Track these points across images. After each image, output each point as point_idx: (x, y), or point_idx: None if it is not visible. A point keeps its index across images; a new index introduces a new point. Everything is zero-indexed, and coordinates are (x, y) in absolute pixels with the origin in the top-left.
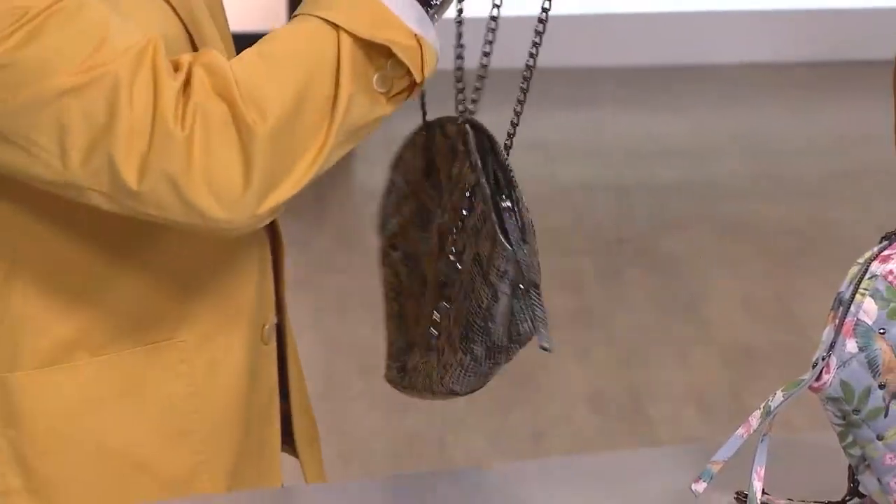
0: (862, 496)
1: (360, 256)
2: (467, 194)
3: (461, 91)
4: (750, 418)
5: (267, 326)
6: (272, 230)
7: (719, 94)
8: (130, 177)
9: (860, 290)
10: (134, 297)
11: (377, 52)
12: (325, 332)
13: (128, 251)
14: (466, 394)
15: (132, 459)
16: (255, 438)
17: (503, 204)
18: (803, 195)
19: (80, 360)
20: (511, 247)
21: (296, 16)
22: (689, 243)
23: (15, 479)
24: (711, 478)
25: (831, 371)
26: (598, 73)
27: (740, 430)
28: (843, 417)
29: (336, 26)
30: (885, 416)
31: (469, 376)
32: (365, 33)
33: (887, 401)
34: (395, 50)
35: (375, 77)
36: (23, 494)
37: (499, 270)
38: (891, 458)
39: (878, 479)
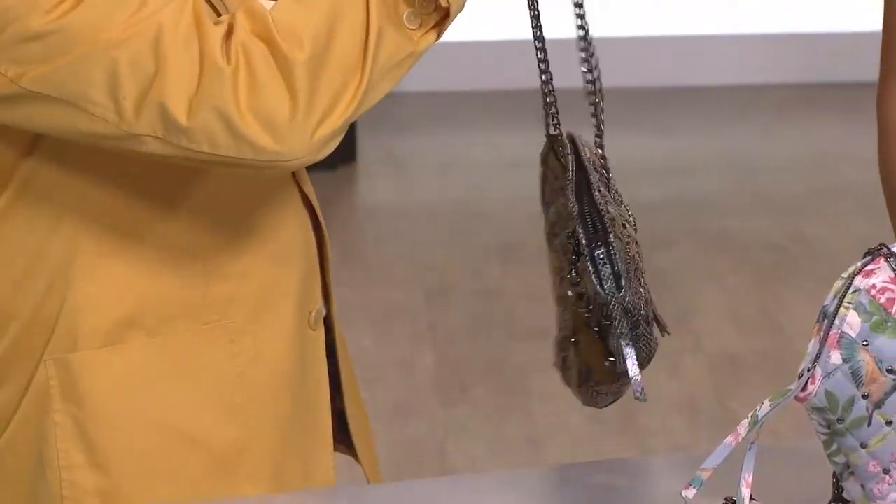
0: (846, 502)
1: (362, 271)
2: (569, 239)
3: (550, 110)
4: (738, 427)
5: (314, 312)
6: (316, 221)
7: (704, 115)
8: (181, 115)
9: (844, 304)
10: (186, 279)
11: None
12: None
13: (184, 234)
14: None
15: (186, 434)
16: (303, 425)
17: (597, 252)
18: (785, 212)
19: (136, 340)
20: (605, 293)
21: None
22: (677, 258)
23: (79, 454)
24: (701, 484)
25: (816, 382)
26: (584, 95)
27: (729, 439)
28: (828, 426)
29: None
30: (868, 425)
31: (605, 396)
32: None
33: (870, 410)
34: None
35: (406, 13)
36: (86, 469)
37: (603, 315)
38: (874, 466)
39: (862, 486)
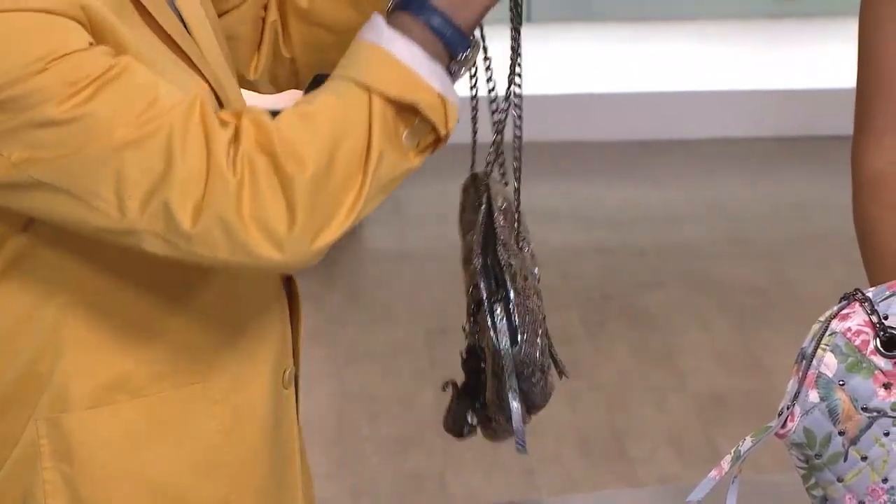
0: None
1: (368, 312)
2: (471, 291)
3: (494, 161)
4: (722, 462)
5: (287, 372)
6: (290, 288)
7: (691, 166)
8: (185, 220)
9: (821, 346)
10: (172, 345)
11: (405, 111)
12: (337, 380)
13: (171, 303)
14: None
15: (171, 491)
16: (278, 477)
17: (496, 308)
18: (767, 257)
19: (123, 401)
20: (501, 349)
21: (332, 77)
22: (665, 301)
23: None
24: None
25: (795, 419)
26: (581, 147)
27: (713, 473)
28: (807, 461)
29: (368, 88)
30: (845, 460)
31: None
32: (394, 94)
33: (846, 446)
34: (421, 108)
35: (405, 133)
36: None
37: (498, 365)
38: (850, 499)
39: None
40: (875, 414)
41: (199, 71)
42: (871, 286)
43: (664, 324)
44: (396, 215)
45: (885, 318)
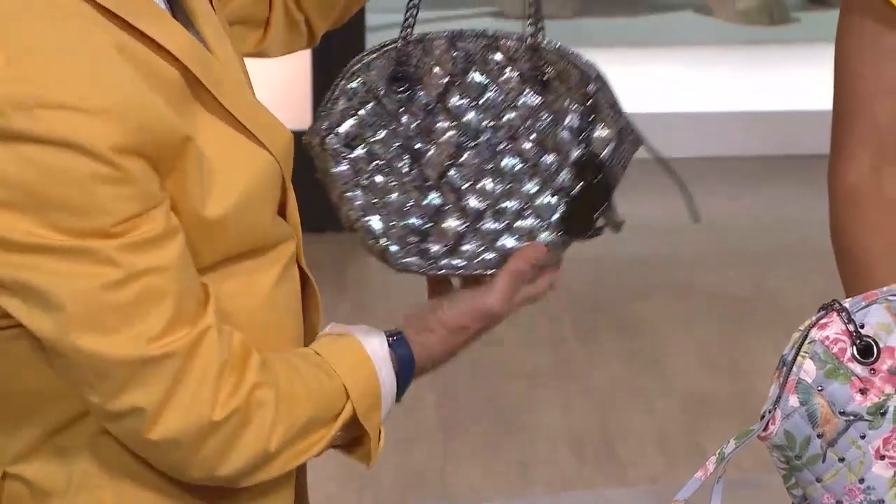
0: None
1: (373, 323)
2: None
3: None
4: (707, 463)
5: None
6: (308, 297)
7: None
8: (152, 434)
9: (801, 353)
10: None
11: (356, 423)
12: None
13: None
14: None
15: None
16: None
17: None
18: (749, 268)
19: None
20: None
21: (327, 353)
22: (653, 309)
23: None
24: None
25: (776, 422)
26: None
27: (698, 473)
28: (787, 462)
29: (348, 396)
30: (823, 461)
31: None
32: (361, 414)
33: (824, 448)
34: (370, 435)
35: (339, 434)
36: None
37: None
38: (828, 498)
39: None
40: (852, 418)
41: (256, 137)
42: (848, 297)
43: (652, 331)
44: None
45: (862, 326)
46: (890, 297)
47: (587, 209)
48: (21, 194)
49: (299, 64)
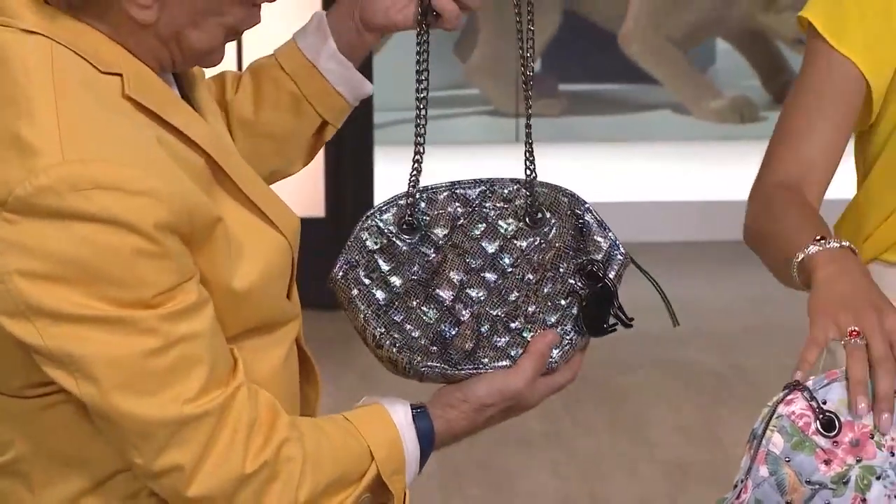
0: None
1: (378, 391)
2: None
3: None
4: None
5: None
6: (307, 372)
7: (658, 265)
8: (190, 491)
9: (770, 427)
10: None
11: (382, 485)
12: None
13: None
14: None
15: None
16: None
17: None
18: (724, 346)
19: None
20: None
21: (353, 419)
22: (637, 382)
23: None
24: None
25: (748, 491)
26: None
27: None
28: None
29: (373, 458)
30: None
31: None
32: (385, 475)
33: None
34: (394, 495)
35: (367, 497)
36: None
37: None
38: None
39: None
40: (817, 486)
41: (271, 221)
42: (779, 280)
43: (635, 402)
44: None
45: (824, 402)
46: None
47: (596, 311)
48: (73, 269)
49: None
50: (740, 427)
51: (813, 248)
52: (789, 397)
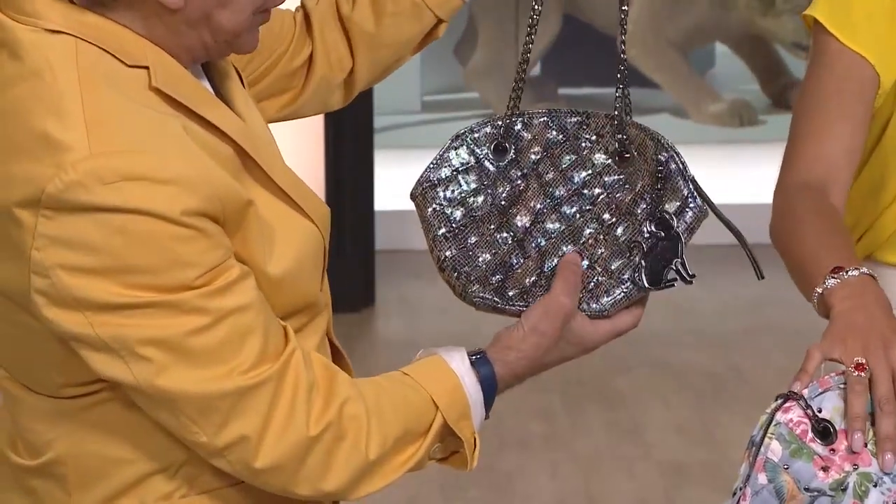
0: None
1: None
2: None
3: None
4: None
5: None
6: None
7: None
8: (258, 462)
9: (768, 434)
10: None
11: (450, 433)
12: None
13: None
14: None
15: None
16: None
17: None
18: (720, 346)
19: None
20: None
21: (413, 374)
22: (634, 383)
23: None
24: None
25: (747, 498)
26: None
27: None
28: None
29: (437, 406)
30: None
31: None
32: (452, 422)
33: None
34: (464, 441)
35: (437, 447)
36: None
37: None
38: None
39: None
40: (816, 493)
41: (301, 208)
42: (800, 289)
43: (631, 402)
44: (405, 308)
45: (819, 411)
46: (841, 386)
47: (659, 264)
48: (112, 260)
49: (314, 162)
50: (737, 428)
51: (831, 282)
52: (787, 404)
